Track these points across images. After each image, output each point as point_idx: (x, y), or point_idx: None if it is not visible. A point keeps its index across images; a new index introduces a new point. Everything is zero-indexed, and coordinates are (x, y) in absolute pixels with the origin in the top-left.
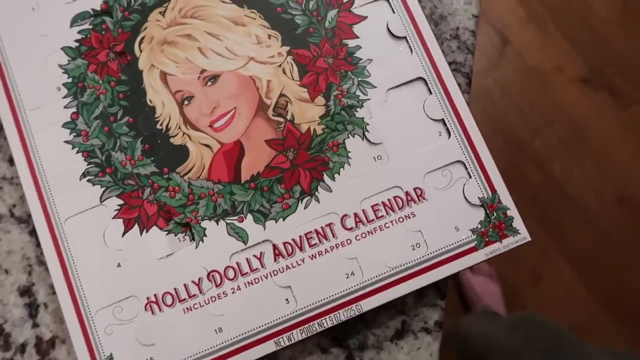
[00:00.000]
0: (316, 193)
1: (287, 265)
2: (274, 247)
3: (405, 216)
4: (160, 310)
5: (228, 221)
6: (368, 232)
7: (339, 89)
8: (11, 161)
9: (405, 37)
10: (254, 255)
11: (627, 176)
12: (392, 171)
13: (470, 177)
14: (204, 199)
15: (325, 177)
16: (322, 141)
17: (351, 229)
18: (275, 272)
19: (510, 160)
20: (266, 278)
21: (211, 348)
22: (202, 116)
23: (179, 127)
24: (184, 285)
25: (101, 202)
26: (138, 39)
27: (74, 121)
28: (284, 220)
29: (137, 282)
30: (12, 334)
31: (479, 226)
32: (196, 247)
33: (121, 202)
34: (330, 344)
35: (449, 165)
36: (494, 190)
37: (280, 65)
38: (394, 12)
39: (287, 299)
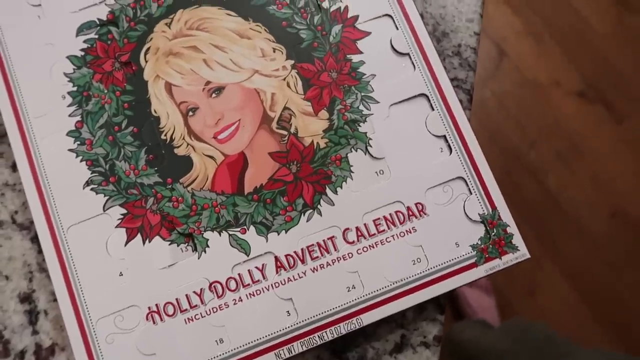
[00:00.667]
0: (318, 206)
1: (288, 278)
2: (276, 259)
3: (407, 231)
4: (161, 320)
5: (231, 232)
6: (369, 246)
7: (343, 103)
8: (14, 167)
9: (408, 54)
10: (256, 267)
11: (621, 190)
12: (394, 186)
13: (471, 193)
14: (207, 210)
15: (328, 191)
16: (325, 155)
17: (353, 242)
18: (277, 284)
19: (506, 172)
20: (268, 290)
21: (212, 359)
22: (207, 127)
23: (183, 138)
24: (186, 295)
25: (104, 211)
26: (144, 49)
27: (78, 130)
28: (286, 232)
29: (139, 292)
30: (12, 341)
31: (479, 242)
32: (198, 258)
33: (124, 211)
34: (330, 356)
35: (450, 182)
36: (494, 207)
37: (284, 79)
38: (397, 28)
39: (288, 311)
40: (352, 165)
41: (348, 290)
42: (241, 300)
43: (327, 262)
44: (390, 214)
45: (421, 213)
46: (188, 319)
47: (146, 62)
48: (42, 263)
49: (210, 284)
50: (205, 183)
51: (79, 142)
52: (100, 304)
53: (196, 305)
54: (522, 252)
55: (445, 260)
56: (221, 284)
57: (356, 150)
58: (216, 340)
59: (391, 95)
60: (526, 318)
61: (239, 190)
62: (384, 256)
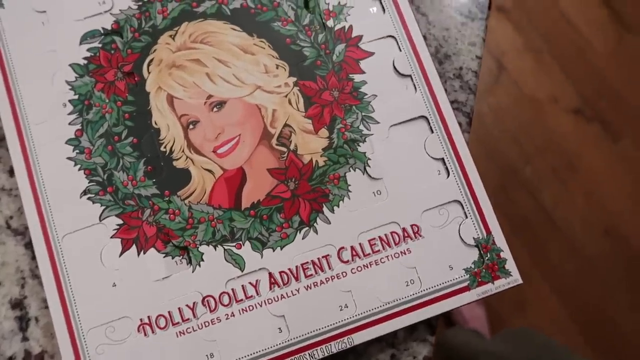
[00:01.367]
0: (315, 224)
1: (282, 295)
2: (270, 275)
3: (401, 252)
4: (153, 332)
5: (226, 247)
6: (364, 265)
7: (343, 122)
8: (11, 172)
9: (410, 75)
10: (250, 283)
11: (614, 208)
12: (390, 207)
13: (467, 217)
14: (204, 224)
15: (325, 209)
16: (324, 173)
17: (347, 261)
18: (270, 301)
19: (501, 186)
20: (260, 306)
21: None
22: (207, 141)
23: (183, 151)
24: (179, 308)
25: (100, 220)
26: (147, 60)
27: (77, 138)
28: (281, 249)
29: (132, 303)
30: (1, 347)
31: (473, 266)
32: (193, 271)
33: (120, 222)
34: None
35: (447, 204)
36: (488, 232)
37: (286, 96)
38: (400, 49)
39: (280, 328)
40: (349, 185)
41: (340, 310)
42: (233, 316)
43: (321, 280)
44: (385, 235)
45: (416, 235)
46: (180, 332)
47: (149, 73)
48: (35, 270)
49: (204, 298)
50: (203, 197)
51: (78, 151)
52: (91, 313)
53: (188, 319)
54: (515, 278)
55: (439, 282)
56: (214, 299)
57: (354, 170)
58: (207, 355)
59: (391, 116)
60: (526, 327)
61: (236, 205)
62: (377, 276)
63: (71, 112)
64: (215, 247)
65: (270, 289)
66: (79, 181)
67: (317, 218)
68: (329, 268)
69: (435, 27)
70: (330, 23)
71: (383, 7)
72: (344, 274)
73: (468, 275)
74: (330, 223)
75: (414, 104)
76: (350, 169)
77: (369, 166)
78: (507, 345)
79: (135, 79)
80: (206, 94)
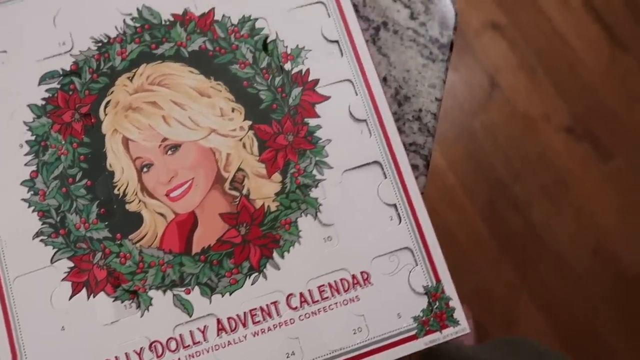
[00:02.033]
0: (264, 270)
1: (229, 341)
2: (218, 321)
3: (350, 299)
4: None
5: (175, 292)
6: (312, 312)
7: (297, 167)
8: None
9: (365, 120)
10: (198, 328)
11: (603, 228)
12: (340, 253)
13: (417, 264)
14: (154, 268)
15: (275, 255)
16: (275, 218)
17: (296, 308)
18: (217, 347)
19: (490, 201)
20: (207, 352)
21: None
22: (160, 184)
23: (136, 194)
24: (125, 354)
25: (52, 263)
26: (104, 102)
27: (32, 179)
28: (230, 295)
29: (80, 347)
30: None
31: (421, 314)
32: (141, 316)
33: (71, 264)
34: None
35: (397, 251)
36: (438, 280)
37: (241, 139)
38: (356, 94)
39: None
40: (300, 230)
41: (287, 357)
42: None
43: (269, 327)
44: (335, 281)
45: (366, 282)
46: None
47: (105, 115)
48: None
49: (151, 344)
50: (154, 241)
51: (32, 192)
52: (40, 357)
53: None
54: (463, 327)
55: (386, 331)
56: (162, 344)
57: (306, 215)
58: None
59: (345, 161)
60: (518, 336)
61: (187, 249)
62: (325, 324)
63: (27, 153)
64: (164, 291)
65: (218, 335)
66: (32, 223)
67: (267, 264)
68: (277, 314)
69: (396, 69)
70: (287, 66)
71: (341, 51)
72: (292, 320)
73: (416, 323)
74: (279, 269)
75: (368, 149)
76: (302, 214)
77: (320, 212)
78: (499, 353)
79: (92, 120)
80: (161, 137)
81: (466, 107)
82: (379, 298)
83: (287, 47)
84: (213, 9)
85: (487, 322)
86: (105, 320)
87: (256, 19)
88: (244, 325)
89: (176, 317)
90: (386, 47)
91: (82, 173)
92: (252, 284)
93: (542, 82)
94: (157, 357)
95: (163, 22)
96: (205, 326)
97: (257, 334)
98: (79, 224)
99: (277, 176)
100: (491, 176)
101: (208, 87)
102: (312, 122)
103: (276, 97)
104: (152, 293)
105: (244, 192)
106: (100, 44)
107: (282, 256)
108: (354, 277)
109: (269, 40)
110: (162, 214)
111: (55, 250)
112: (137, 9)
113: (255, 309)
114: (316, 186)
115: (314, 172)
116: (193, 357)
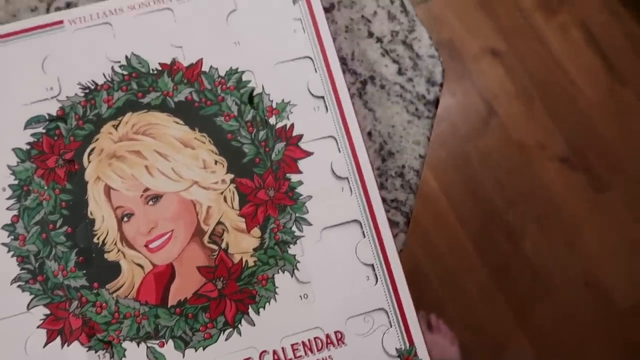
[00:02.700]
0: (239, 326)
1: None
2: None
3: (323, 359)
4: None
5: (149, 344)
6: None
7: (277, 222)
8: None
9: (347, 178)
10: None
11: (595, 259)
12: (316, 312)
13: (391, 326)
14: (129, 319)
15: (251, 311)
16: (253, 274)
17: None
18: None
19: (482, 229)
20: None
21: None
22: (139, 235)
23: (115, 244)
24: None
25: (28, 309)
26: (88, 149)
27: (13, 224)
28: (203, 349)
29: None
30: None
31: None
32: None
33: (47, 312)
34: None
35: (372, 312)
36: (412, 343)
37: (222, 193)
38: (339, 151)
39: None
40: (277, 287)
41: None
42: None
43: None
44: (309, 340)
45: (339, 342)
46: None
47: (89, 162)
48: None
49: None
50: (131, 291)
51: (12, 237)
52: None
53: None
54: None
55: None
56: None
57: (283, 272)
58: None
59: (325, 219)
60: None
61: (163, 301)
62: None
63: (10, 197)
64: (138, 343)
65: None
66: (10, 268)
67: (242, 319)
68: None
69: (381, 124)
70: (272, 120)
71: (326, 106)
72: None
73: None
74: (254, 325)
75: (348, 207)
76: (279, 270)
77: (298, 269)
78: None
79: (76, 167)
80: (143, 187)
81: (462, 131)
82: (352, 359)
83: (272, 100)
84: (201, 59)
85: (475, 348)
86: None
87: (243, 72)
88: None
89: None
90: (372, 101)
91: (63, 220)
92: (226, 340)
93: (539, 110)
94: None
95: (151, 71)
96: None
97: None
98: (57, 271)
99: (256, 231)
100: (484, 203)
101: (192, 138)
102: (294, 177)
103: (259, 151)
104: (126, 344)
105: (223, 246)
106: (87, 91)
107: (258, 312)
108: (327, 336)
109: (255, 93)
110: (140, 265)
111: (32, 296)
112: (126, 57)
113: None
114: (295, 243)
115: (294, 228)
116: None
